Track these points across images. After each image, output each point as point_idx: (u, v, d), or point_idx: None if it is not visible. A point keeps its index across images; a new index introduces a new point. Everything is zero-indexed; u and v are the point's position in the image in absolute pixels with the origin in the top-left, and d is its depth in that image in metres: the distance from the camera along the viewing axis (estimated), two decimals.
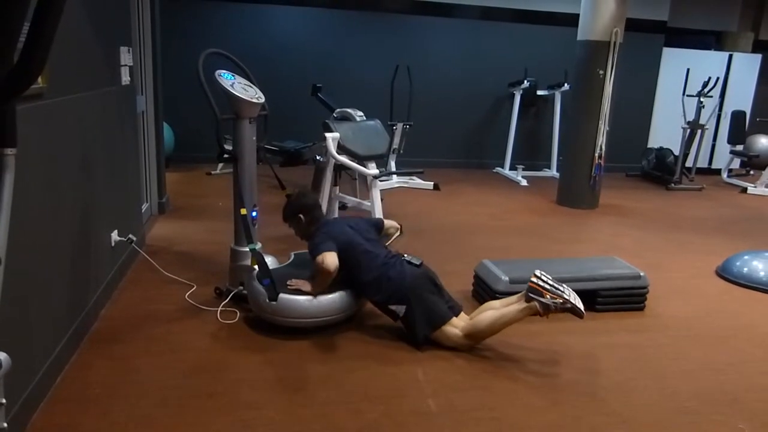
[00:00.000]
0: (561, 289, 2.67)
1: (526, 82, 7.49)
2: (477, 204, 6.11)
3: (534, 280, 2.71)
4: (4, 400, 1.49)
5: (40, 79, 2.17)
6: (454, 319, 2.86)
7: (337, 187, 4.74)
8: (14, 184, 1.40)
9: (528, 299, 2.71)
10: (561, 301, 2.64)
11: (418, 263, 2.97)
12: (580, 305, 2.66)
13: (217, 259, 3.90)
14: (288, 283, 2.95)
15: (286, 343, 2.85)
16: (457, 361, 2.77)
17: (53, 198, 2.41)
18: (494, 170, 8.06)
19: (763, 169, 7.60)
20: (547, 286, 2.68)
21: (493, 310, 2.85)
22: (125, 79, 3.65)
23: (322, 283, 2.88)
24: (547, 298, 2.65)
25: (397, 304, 2.88)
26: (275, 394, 2.42)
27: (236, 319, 3.08)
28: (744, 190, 7.52)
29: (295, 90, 7.15)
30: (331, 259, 2.82)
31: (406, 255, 3.03)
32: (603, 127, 5.87)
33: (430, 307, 2.85)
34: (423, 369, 2.68)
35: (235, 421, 2.23)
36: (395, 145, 6.19)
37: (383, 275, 2.91)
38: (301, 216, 3.15)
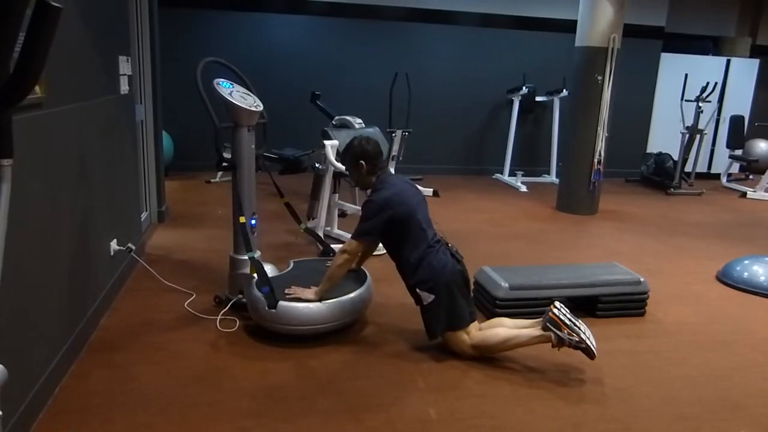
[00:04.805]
0: (579, 326, 2.66)
1: (524, 88, 7.51)
2: (476, 210, 6.11)
3: (555, 311, 2.68)
4: (1, 412, 1.48)
5: (38, 89, 2.17)
6: (470, 325, 2.84)
7: (336, 195, 4.75)
8: (11, 194, 1.40)
9: (545, 328, 2.69)
10: (577, 339, 2.63)
11: (460, 258, 2.90)
12: (594, 346, 2.64)
13: (216, 268, 3.90)
14: (286, 291, 2.93)
15: (286, 351, 2.84)
16: (457, 368, 2.76)
17: (51, 207, 2.41)
18: (493, 176, 8.07)
19: (763, 173, 7.60)
20: (567, 321, 2.66)
21: (505, 329, 2.81)
22: (124, 88, 3.66)
23: (333, 276, 2.86)
24: (564, 333, 2.64)
25: (426, 292, 2.81)
26: (275, 403, 2.41)
27: (236, 328, 3.07)
28: (743, 194, 7.52)
29: (293, 98, 7.16)
30: (354, 249, 2.84)
31: (450, 244, 2.94)
32: (602, 133, 5.88)
33: (456, 307, 2.80)
34: (423, 377, 2.67)
35: (235, 430, 2.22)
36: (394, 152, 6.17)
37: (425, 259, 2.81)
38: (363, 162, 2.93)
